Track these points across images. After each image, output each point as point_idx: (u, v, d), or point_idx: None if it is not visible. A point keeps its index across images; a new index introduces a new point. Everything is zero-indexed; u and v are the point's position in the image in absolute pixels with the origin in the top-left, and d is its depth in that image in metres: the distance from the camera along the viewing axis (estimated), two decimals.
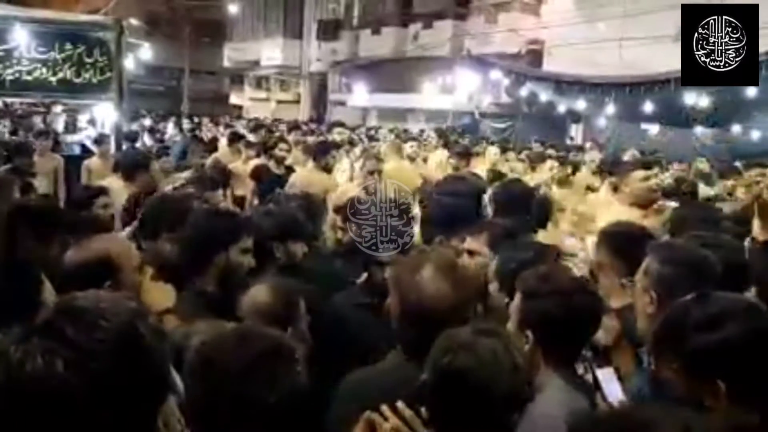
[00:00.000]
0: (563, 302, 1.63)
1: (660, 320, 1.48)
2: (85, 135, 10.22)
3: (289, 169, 6.20)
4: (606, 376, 1.58)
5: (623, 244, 2.32)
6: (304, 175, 5.63)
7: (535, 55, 16.20)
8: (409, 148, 7.71)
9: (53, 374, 0.84)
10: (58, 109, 11.23)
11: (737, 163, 7.94)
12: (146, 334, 0.91)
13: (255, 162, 6.64)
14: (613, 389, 1.56)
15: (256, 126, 11.43)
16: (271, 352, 1.26)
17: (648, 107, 10.79)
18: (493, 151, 8.18)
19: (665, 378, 1.38)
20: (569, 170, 6.66)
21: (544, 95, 12.77)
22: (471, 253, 2.50)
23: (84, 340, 0.86)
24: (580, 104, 12.10)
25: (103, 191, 3.65)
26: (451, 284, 1.72)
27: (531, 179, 5.74)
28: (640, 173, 3.78)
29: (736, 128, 11.91)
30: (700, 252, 1.89)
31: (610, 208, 4.02)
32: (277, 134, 10.14)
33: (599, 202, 4.87)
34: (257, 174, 5.89)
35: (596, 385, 1.58)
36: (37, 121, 10.73)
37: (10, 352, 0.86)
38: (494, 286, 2.17)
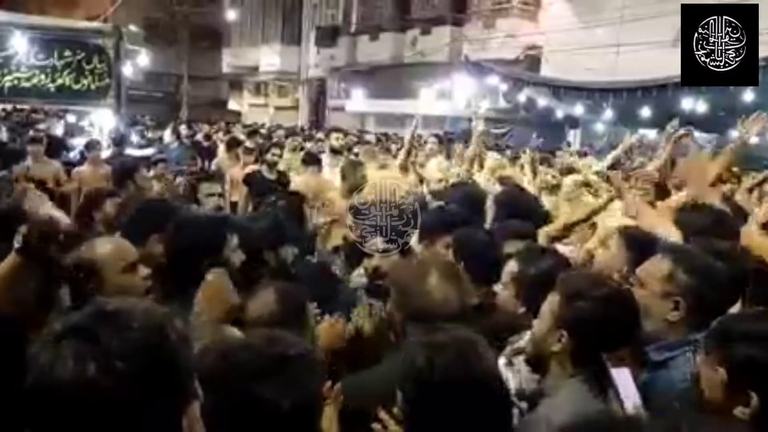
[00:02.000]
0: (606, 307, 1.62)
1: (715, 325, 1.53)
2: (84, 142, 10.19)
3: (282, 174, 6.21)
4: (621, 376, 1.57)
5: (642, 249, 2.29)
6: (302, 180, 5.67)
7: (532, 60, 16.25)
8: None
9: (84, 376, 0.84)
10: (72, 118, 11.15)
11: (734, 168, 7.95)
12: (174, 337, 0.92)
13: (251, 168, 6.65)
14: (628, 388, 1.56)
15: (251, 132, 11.41)
16: (287, 358, 1.25)
17: (645, 112, 10.83)
18: (493, 156, 8.07)
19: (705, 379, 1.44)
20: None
21: (542, 101, 12.81)
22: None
23: (116, 342, 0.86)
24: (578, 109, 12.14)
25: (114, 193, 3.67)
26: (456, 290, 1.74)
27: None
28: None
29: (733, 133, 11.94)
30: (724, 265, 1.88)
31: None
32: (275, 140, 10.14)
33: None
34: (249, 180, 5.88)
35: (611, 383, 1.58)
36: (43, 128, 10.68)
37: (42, 355, 0.87)
38: (506, 290, 2.17)
